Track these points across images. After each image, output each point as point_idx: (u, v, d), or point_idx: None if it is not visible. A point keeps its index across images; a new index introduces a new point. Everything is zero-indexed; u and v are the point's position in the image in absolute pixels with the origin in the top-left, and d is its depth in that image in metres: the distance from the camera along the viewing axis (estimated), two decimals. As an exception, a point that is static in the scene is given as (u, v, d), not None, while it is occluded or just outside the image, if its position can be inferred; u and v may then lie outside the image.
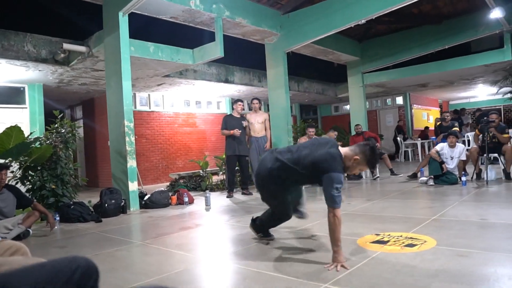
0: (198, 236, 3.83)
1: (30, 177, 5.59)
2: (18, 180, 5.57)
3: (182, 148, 11.41)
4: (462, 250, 2.62)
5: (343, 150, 2.64)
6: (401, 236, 3.14)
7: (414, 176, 7.16)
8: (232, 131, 6.37)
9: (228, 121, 6.58)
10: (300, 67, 12.69)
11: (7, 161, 5.19)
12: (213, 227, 4.20)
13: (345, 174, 2.65)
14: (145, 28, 8.61)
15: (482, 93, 15.97)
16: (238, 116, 6.65)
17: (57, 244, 3.90)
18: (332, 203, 2.47)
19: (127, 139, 5.76)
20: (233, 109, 6.85)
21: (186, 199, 5.98)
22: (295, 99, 14.59)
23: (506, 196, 4.84)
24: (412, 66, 10.89)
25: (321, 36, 7.95)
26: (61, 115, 5.88)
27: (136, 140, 10.22)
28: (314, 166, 2.58)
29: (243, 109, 6.70)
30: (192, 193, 6.72)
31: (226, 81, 10.19)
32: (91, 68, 7.38)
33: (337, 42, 10.01)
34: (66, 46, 6.47)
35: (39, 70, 7.27)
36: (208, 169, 8.60)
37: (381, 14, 7.05)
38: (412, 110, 14.33)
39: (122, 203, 5.47)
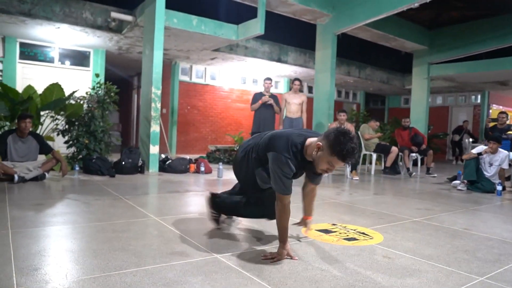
0: (173, 199, 4.01)
1: (71, 131, 6.25)
2: (60, 132, 6.27)
3: (233, 123, 11.69)
4: (394, 252, 2.41)
5: (310, 139, 2.13)
6: (354, 229, 2.97)
7: (454, 179, 6.55)
8: (260, 101, 6.46)
9: (257, 98, 6.64)
10: (363, 52, 12.06)
11: (45, 112, 5.87)
12: (196, 195, 4.34)
13: (316, 170, 2.13)
14: (190, 0, 8.85)
15: None
16: (267, 93, 6.65)
17: (57, 188, 4.39)
18: (277, 188, 2.12)
19: (153, 105, 6.10)
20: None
21: (202, 169, 6.22)
22: (358, 87, 13.98)
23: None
24: (486, 60, 9.72)
25: (371, 20, 7.48)
26: (100, 78, 6.41)
27: (188, 111, 10.80)
28: (262, 149, 2.23)
29: (271, 86, 6.66)
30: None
31: (279, 60, 10.12)
32: (141, 37, 7.85)
33: (401, 27, 9.32)
34: (114, 14, 6.98)
35: (98, 37, 7.95)
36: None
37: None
38: (490, 111, 12.86)
39: (140, 163, 5.87)
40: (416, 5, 6.66)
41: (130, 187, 4.64)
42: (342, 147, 1.91)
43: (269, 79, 6.65)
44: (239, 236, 2.64)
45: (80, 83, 8.74)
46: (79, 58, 9.17)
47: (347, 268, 2.07)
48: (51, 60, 8.82)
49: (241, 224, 2.95)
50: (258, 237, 2.63)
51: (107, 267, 1.91)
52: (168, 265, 1.99)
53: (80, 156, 6.02)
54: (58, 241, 2.34)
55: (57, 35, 7.94)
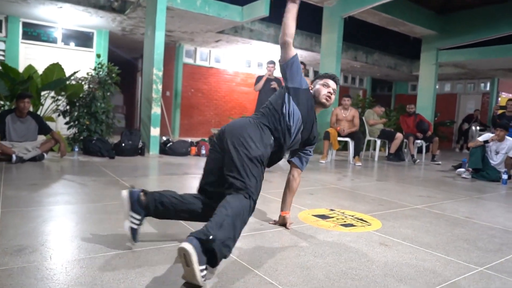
0: (170, 181, 3.96)
1: (71, 112, 6.21)
2: (60, 112, 6.22)
3: (237, 106, 11.58)
4: (392, 239, 2.34)
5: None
6: (352, 215, 2.90)
7: (459, 167, 6.44)
8: (264, 78, 6.38)
9: (259, 80, 6.55)
10: (370, 37, 11.81)
11: (46, 93, 5.82)
12: (194, 178, 4.28)
13: None
14: None
15: None
16: (271, 77, 6.53)
17: (55, 168, 4.36)
18: None
19: (154, 86, 6.02)
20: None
21: (203, 152, 6.17)
22: (365, 72, 13.76)
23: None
24: (497, 46, 9.46)
25: (380, 2, 7.29)
26: (101, 58, 6.32)
27: (192, 94, 10.70)
28: None
29: (274, 70, 6.54)
30: None
31: (284, 44, 9.92)
32: (144, 18, 7.71)
33: (411, 12, 9.07)
34: (116, -7, 6.85)
35: (101, 17, 7.84)
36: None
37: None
38: (499, 99, 12.60)
39: (140, 145, 5.82)
40: (426, -13, 6.44)
41: (128, 169, 4.60)
42: (322, 73, 2.49)
43: (273, 62, 6.53)
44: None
45: (83, 64, 8.65)
46: (82, 39, 9.07)
47: (341, 255, 2.01)
48: (54, 41, 8.74)
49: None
50: (250, 221, 2.57)
51: (94, 249, 1.87)
52: (156, 248, 1.94)
53: (81, 138, 5.99)
54: (48, 222, 2.29)
55: (60, 15, 7.84)
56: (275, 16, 7.34)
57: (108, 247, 1.91)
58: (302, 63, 6.78)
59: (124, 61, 12.20)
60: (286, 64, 2.21)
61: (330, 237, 2.31)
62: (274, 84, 6.38)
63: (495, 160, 5.51)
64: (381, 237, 2.38)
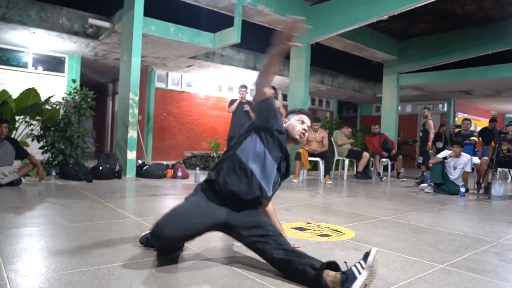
0: (152, 202, 4.08)
1: (46, 136, 6.20)
2: (35, 137, 6.20)
3: (209, 129, 11.78)
4: (364, 245, 2.60)
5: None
6: (327, 227, 3.15)
7: (421, 182, 6.89)
8: (237, 101, 6.62)
9: (233, 103, 6.82)
10: (336, 61, 12.44)
11: (20, 118, 5.82)
12: (174, 198, 4.43)
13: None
14: (168, 8, 8.93)
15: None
16: (243, 100, 6.81)
17: (34, 192, 4.38)
18: None
19: (130, 111, 6.15)
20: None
21: (179, 174, 6.30)
22: (331, 95, 14.37)
23: (494, 212, 4.52)
24: (451, 70, 10.27)
25: (344, 30, 7.82)
26: (77, 83, 6.41)
27: (164, 118, 10.82)
28: None
29: (247, 93, 6.84)
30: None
31: (254, 68, 10.32)
32: (118, 44, 7.88)
33: (372, 38, 9.73)
34: (92, 21, 7.01)
35: (74, 42, 7.93)
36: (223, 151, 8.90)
37: (405, 10, 6.78)
38: (456, 118, 13.49)
39: (117, 169, 5.89)
40: (386, 17, 7.04)
41: (108, 191, 4.67)
42: (297, 108, 2.44)
43: (245, 86, 6.83)
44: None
45: (54, 88, 8.64)
46: (54, 64, 9.08)
47: (322, 259, 2.22)
48: (24, 65, 8.70)
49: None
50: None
51: (95, 262, 2.00)
52: (153, 259, 2.10)
53: (55, 162, 5.99)
54: (43, 240, 2.39)
55: (32, 40, 7.87)
56: (245, 42, 7.70)
57: (108, 259, 2.04)
58: (272, 87, 7.14)
59: (95, 85, 12.17)
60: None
61: (309, 245, 2.54)
62: (246, 107, 6.66)
63: (454, 174, 5.97)
64: (355, 244, 2.63)
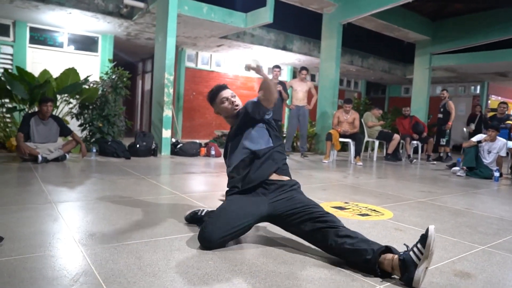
0: (192, 179, 4.25)
1: (84, 114, 6.45)
2: (74, 115, 6.47)
3: (237, 110, 11.87)
4: (404, 225, 2.67)
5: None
6: (365, 207, 3.23)
7: (453, 166, 6.83)
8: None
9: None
10: (366, 42, 12.22)
11: (63, 96, 6.07)
12: (211, 176, 4.59)
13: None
14: None
15: None
16: (276, 80, 6.85)
17: (79, 168, 4.62)
18: None
19: (165, 90, 6.30)
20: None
21: (213, 152, 6.46)
22: (360, 75, 14.17)
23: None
24: (486, 51, 9.93)
25: (377, 10, 7.68)
26: (114, 63, 6.59)
27: (194, 97, 10.98)
28: None
29: (280, 75, 6.87)
30: None
31: (284, 48, 10.28)
32: (151, 24, 8.00)
33: (405, 18, 9.49)
34: (127, 1, 7.12)
35: (108, 22, 8.09)
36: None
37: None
38: (489, 101, 13.11)
39: (153, 147, 6.10)
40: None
41: (148, 168, 4.88)
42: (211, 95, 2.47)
43: (278, 67, 6.85)
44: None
45: (88, 68, 8.90)
46: (88, 43, 9.31)
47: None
48: (60, 45, 8.96)
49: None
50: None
51: (153, 234, 2.16)
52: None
53: (93, 139, 6.24)
54: (101, 213, 2.57)
55: (68, 21, 8.08)
56: (275, 22, 7.68)
57: (166, 232, 2.20)
58: (304, 68, 7.16)
59: (124, 64, 12.41)
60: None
61: (351, 224, 2.63)
62: (279, 87, 6.70)
63: (488, 159, 5.90)
64: (394, 223, 2.71)
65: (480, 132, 7.91)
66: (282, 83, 6.84)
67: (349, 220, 2.75)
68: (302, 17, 10.70)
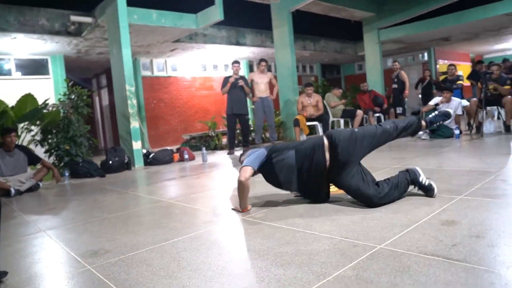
0: (174, 185, 4.28)
1: (48, 140, 6.26)
2: (38, 142, 6.27)
3: (200, 111, 11.87)
4: (386, 191, 2.84)
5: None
6: (346, 182, 3.39)
7: (416, 132, 7.19)
8: (229, 83, 6.69)
9: (226, 81, 6.91)
10: (315, 26, 12.51)
11: (24, 124, 5.87)
12: (192, 178, 4.63)
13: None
14: None
15: (519, 44, 15.00)
16: (237, 76, 6.92)
17: (56, 194, 4.52)
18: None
19: (129, 102, 6.23)
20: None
21: (186, 156, 6.47)
22: (314, 59, 14.49)
23: (490, 147, 4.85)
24: (430, 19, 10.45)
25: (322, -8, 7.87)
26: (71, 82, 6.43)
27: (155, 105, 10.86)
28: None
29: (240, 69, 6.96)
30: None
31: (237, 43, 10.36)
32: (102, 38, 7.83)
33: (349, -2, 9.79)
34: (74, 18, 6.94)
35: (56, 42, 7.84)
36: (220, 129, 9.10)
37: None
38: (437, 66, 13.80)
39: (126, 160, 6.03)
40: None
41: (126, 182, 4.84)
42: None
43: (237, 62, 6.93)
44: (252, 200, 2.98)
45: (42, 92, 8.54)
46: (37, 67, 8.98)
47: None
48: (8, 73, 8.60)
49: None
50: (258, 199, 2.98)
51: (155, 241, 2.21)
52: (206, 230, 2.31)
53: (62, 163, 6.08)
54: (97, 232, 2.58)
55: (13, 46, 7.76)
56: (226, 19, 7.73)
57: (167, 237, 2.25)
58: (263, 60, 7.28)
59: (78, 82, 12.06)
60: None
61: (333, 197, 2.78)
62: (241, 82, 6.78)
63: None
64: (377, 192, 2.88)
65: (429, 95, 8.41)
66: (243, 78, 6.92)
67: (333, 195, 2.90)
68: (251, 11, 10.80)
